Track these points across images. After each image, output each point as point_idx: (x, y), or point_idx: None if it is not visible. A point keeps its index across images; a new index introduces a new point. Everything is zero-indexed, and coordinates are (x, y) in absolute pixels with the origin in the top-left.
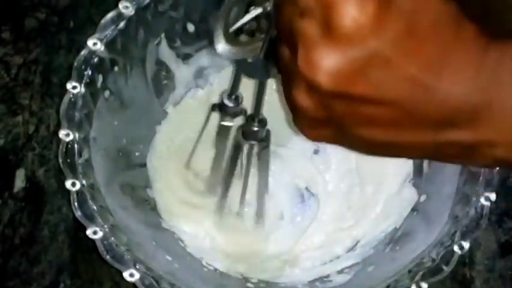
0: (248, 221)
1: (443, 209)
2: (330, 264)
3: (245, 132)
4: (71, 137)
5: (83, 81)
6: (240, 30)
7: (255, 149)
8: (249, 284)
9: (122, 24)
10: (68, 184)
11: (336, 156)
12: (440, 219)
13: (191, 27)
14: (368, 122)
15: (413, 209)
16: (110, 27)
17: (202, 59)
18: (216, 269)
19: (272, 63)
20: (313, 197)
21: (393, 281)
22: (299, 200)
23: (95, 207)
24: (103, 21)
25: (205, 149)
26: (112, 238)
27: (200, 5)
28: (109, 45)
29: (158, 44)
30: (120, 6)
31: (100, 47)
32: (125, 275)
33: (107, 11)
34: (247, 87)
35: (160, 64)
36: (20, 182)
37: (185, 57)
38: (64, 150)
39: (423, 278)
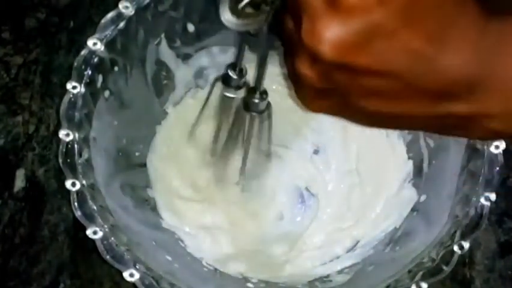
0: (247, 192)
1: (443, 209)
2: (330, 264)
3: (247, 104)
4: (71, 137)
5: (83, 81)
6: (246, 3)
7: (256, 121)
8: (249, 284)
9: (122, 24)
10: (68, 184)
11: (336, 156)
12: (440, 219)
13: (191, 27)
14: (369, 93)
15: (413, 209)
16: (110, 27)
17: (202, 59)
18: (216, 269)
19: (276, 36)
20: (313, 197)
21: (393, 281)
22: (299, 200)
23: (95, 207)
24: (103, 21)
25: (208, 123)
26: (112, 238)
27: (200, 5)
28: (109, 45)
29: (158, 44)
30: (120, 6)
31: (100, 47)
32: (125, 275)
33: (107, 11)
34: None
35: (160, 64)
36: (20, 182)
37: (185, 57)
38: (64, 150)
39: (423, 278)
